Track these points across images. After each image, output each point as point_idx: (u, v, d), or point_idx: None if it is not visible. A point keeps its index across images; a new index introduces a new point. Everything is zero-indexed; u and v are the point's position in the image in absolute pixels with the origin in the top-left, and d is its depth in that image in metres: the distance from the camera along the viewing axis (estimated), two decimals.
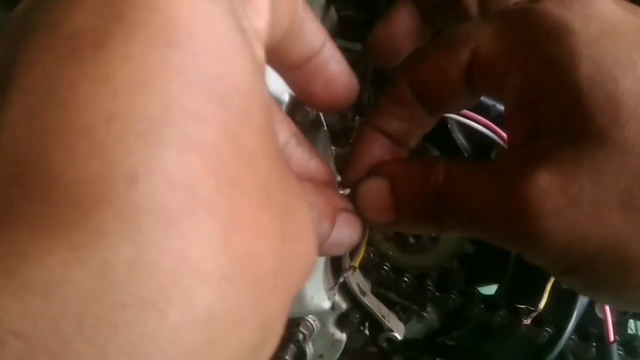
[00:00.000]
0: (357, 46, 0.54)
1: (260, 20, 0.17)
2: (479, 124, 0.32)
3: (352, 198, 0.27)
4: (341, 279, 0.50)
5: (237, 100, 0.15)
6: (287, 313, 0.17)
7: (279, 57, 0.21)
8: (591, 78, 0.20)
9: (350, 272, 0.52)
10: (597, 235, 0.19)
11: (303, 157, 0.26)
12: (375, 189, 0.26)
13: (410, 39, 0.31)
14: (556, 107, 0.21)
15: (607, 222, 0.19)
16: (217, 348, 0.13)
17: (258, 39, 0.17)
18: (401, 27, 0.30)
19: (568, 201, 0.20)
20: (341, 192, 0.28)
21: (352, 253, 0.50)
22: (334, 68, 0.23)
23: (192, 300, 0.13)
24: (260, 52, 0.17)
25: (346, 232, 0.25)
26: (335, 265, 0.51)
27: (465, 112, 0.34)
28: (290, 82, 0.24)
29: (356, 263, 0.38)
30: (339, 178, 0.29)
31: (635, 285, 0.20)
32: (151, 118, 0.13)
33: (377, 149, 0.27)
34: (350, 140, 0.49)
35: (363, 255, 0.37)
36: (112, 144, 0.13)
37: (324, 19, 0.50)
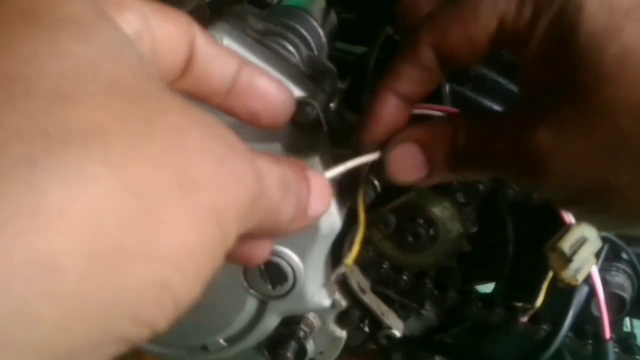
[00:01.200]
0: (357, 49, 0.55)
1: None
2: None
3: (379, 163, 0.30)
4: (333, 277, 0.50)
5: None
6: None
7: (205, 84, 0.23)
8: (585, 48, 0.23)
9: (342, 270, 0.52)
10: (584, 175, 0.25)
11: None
12: (407, 154, 0.29)
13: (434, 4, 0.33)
14: (558, 72, 0.25)
15: (592, 165, 0.24)
16: None
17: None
18: None
19: (561, 149, 0.24)
20: (368, 156, 0.30)
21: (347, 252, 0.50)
22: (261, 81, 0.25)
23: None
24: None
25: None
26: (336, 264, 0.52)
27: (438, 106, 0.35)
28: (229, 110, 0.25)
29: (349, 261, 0.38)
30: (331, 173, 0.30)
31: (616, 212, 0.26)
32: None
33: (392, 111, 0.30)
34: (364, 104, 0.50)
35: (358, 254, 0.38)
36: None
37: (324, 22, 0.50)
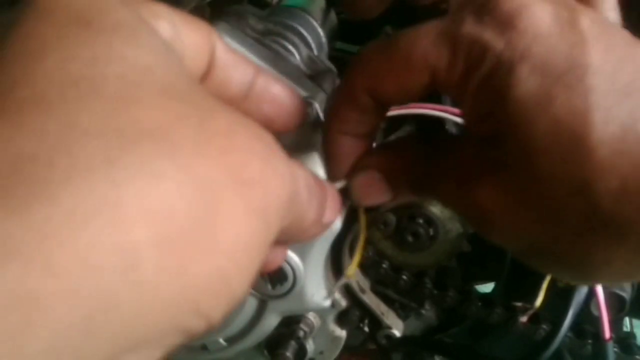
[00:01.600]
0: (356, 49, 0.55)
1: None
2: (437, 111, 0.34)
3: (347, 193, 0.30)
4: (335, 288, 0.51)
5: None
6: None
7: (224, 90, 0.24)
8: (515, 117, 0.23)
9: (344, 282, 0.53)
10: (525, 239, 0.25)
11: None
12: (369, 181, 0.29)
13: None
14: (493, 134, 0.24)
15: (531, 231, 0.24)
16: None
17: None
18: None
19: (499, 213, 0.24)
20: (335, 186, 0.30)
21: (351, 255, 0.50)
22: (275, 87, 0.27)
23: None
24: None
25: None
26: (335, 264, 0.52)
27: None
28: (247, 114, 0.26)
29: (351, 272, 0.39)
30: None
31: (561, 272, 0.27)
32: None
33: (348, 149, 0.30)
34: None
35: (362, 256, 0.38)
36: None
37: (324, 22, 0.51)
